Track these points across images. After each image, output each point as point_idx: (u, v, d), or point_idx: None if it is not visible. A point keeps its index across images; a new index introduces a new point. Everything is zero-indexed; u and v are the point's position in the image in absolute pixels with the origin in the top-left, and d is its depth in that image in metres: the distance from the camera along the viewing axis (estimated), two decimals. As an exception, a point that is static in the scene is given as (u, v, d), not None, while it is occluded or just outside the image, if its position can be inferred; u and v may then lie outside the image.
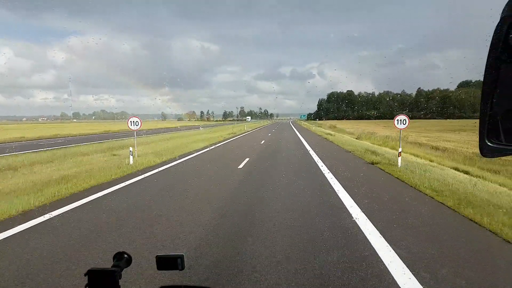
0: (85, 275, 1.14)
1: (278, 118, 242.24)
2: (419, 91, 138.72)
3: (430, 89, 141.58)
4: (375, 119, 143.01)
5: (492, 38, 0.84)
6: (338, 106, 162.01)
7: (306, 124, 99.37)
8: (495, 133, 0.91)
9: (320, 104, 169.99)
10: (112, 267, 1.20)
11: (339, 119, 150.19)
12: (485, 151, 0.92)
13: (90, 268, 1.14)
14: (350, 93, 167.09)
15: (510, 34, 0.82)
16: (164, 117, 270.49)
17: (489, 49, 0.85)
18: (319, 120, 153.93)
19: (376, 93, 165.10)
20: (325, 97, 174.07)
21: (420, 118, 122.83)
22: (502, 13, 0.81)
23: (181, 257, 1.21)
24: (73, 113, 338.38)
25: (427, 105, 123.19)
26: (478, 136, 0.92)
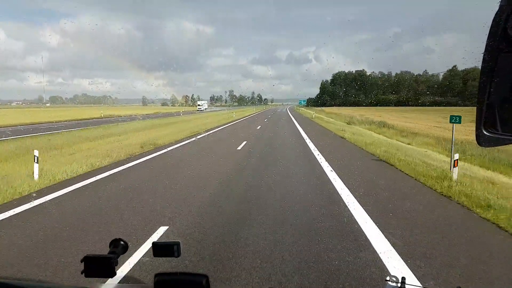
0: (81, 261, 1.15)
1: (273, 103, 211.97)
2: (453, 71, 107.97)
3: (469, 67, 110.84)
4: (395, 105, 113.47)
5: (491, 27, 0.85)
6: (347, 90, 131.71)
7: (311, 114, 69.02)
8: (492, 123, 0.93)
9: (323, 87, 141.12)
10: (108, 253, 1.22)
11: (348, 105, 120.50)
12: (482, 140, 0.95)
13: (86, 255, 1.16)
14: (360, 73, 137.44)
15: (509, 23, 0.83)
16: (144, 102, 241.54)
17: (487, 38, 0.87)
18: (322, 106, 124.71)
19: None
20: (329, 79, 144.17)
21: (457, 104, 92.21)
22: (501, 1, 0.82)
23: (177, 244, 1.23)
24: (52, 97, 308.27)
25: (466, 88, 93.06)
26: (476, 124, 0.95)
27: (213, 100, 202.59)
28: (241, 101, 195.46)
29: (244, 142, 15.34)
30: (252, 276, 3.76)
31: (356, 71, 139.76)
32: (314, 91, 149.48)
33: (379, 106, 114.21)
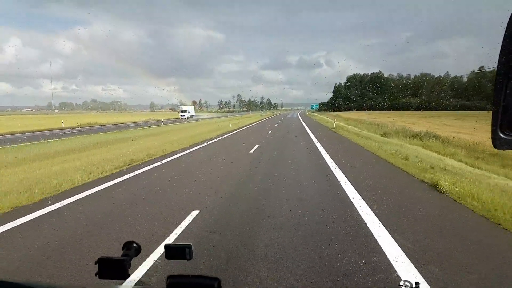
0: (95, 263, 1.17)
1: (283, 108, 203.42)
2: (480, 72, 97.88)
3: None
4: (416, 110, 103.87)
5: (506, 28, 0.85)
6: (363, 93, 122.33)
7: (330, 122, 59.84)
8: (508, 125, 0.92)
9: (336, 90, 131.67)
10: (121, 256, 1.23)
11: (365, 110, 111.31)
12: (498, 143, 0.94)
13: (101, 257, 1.18)
14: (378, 75, 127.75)
15: None
16: (152, 107, 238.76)
17: (503, 40, 0.87)
18: (336, 111, 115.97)
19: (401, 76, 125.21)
20: (343, 82, 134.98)
21: (486, 108, 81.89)
22: None
23: (189, 247, 1.24)
24: (61, 103, 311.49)
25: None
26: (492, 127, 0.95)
27: (221, 105, 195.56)
28: (250, 106, 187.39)
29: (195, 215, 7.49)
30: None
31: (372, 73, 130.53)
32: (325, 96, 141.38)
33: (399, 110, 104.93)
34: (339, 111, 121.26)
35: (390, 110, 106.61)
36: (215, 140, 19.89)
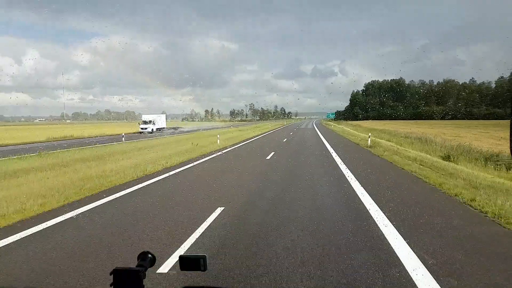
0: (110, 274, 1.18)
1: (297, 117, 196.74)
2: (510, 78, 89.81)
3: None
4: (441, 119, 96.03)
5: None
6: (382, 100, 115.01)
7: (360, 138, 52.53)
8: None
9: (353, 98, 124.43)
10: (136, 266, 1.23)
11: (385, 118, 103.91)
12: None
13: (116, 268, 1.18)
14: (398, 82, 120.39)
15: None
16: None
17: None
18: (354, 120, 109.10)
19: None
20: (360, 89, 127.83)
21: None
22: None
23: (203, 258, 1.25)
24: (74, 113, 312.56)
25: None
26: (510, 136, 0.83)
27: (234, 114, 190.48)
28: (263, 115, 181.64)
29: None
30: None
31: (392, 80, 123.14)
32: (340, 105, 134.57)
33: (423, 119, 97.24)
34: (357, 119, 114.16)
35: (413, 119, 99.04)
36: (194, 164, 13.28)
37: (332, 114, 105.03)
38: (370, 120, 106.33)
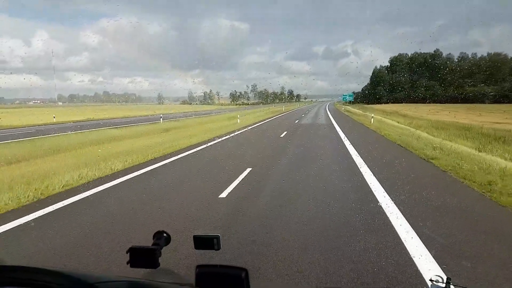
0: (127, 252, 1.20)
1: (307, 100, 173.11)
2: None
3: None
4: (495, 102, 72.70)
5: None
6: (413, 79, 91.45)
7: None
8: None
9: (376, 76, 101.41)
10: (152, 245, 1.26)
11: (418, 101, 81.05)
12: None
13: (132, 246, 1.21)
14: (434, 55, 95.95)
15: None
16: (161, 100, 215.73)
17: None
18: (377, 103, 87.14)
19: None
20: (385, 64, 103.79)
21: None
22: None
23: (217, 238, 1.27)
24: (70, 95, 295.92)
25: None
26: None
27: (235, 97, 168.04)
28: (266, 98, 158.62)
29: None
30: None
31: (425, 52, 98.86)
32: (352, 87, 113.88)
33: (470, 102, 74.25)
34: (381, 103, 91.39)
35: (457, 102, 76.20)
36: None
37: (349, 95, 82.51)
38: (398, 103, 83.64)
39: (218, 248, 1.26)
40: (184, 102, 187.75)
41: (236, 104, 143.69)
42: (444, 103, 76.16)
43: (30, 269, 1.18)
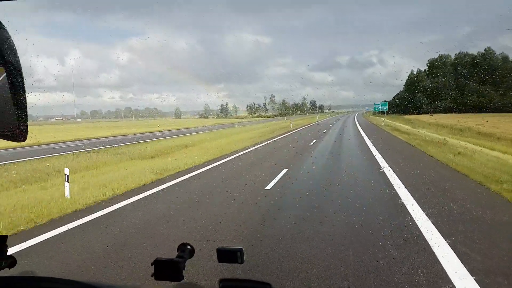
0: (152, 264, 1.20)
1: (330, 111, 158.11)
2: None
3: None
4: None
5: None
6: (460, 84, 75.54)
7: None
8: None
9: (412, 82, 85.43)
10: (176, 257, 1.26)
11: (468, 111, 65.21)
12: None
13: (157, 258, 1.21)
14: (484, 55, 79.44)
15: None
16: (177, 114, 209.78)
17: None
18: (415, 113, 72.74)
19: None
20: (423, 68, 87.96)
21: None
22: None
23: (240, 251, 1.27)
24: (92, 112, 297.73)
25: None
26: None
27: (252, 109, 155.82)
28: (285, 109, 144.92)
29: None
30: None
31: (472, 53, 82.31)
32: (378, 97, 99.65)
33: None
34: (421, 112, 76.06)
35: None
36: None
37: (382, 105, 68.13)
38: (442, 113, 68.14)
39: (242, 262, 1.24)
40: (201, 116, 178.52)
41: (254, 117, 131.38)
42: (506, 112, 59.96)
43: (60, 280, 1.21)
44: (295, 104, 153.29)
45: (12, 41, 1.06)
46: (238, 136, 29.33)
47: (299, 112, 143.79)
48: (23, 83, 1.08)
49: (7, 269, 1.23)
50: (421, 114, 75.51)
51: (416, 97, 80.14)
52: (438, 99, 77.45)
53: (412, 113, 75.53)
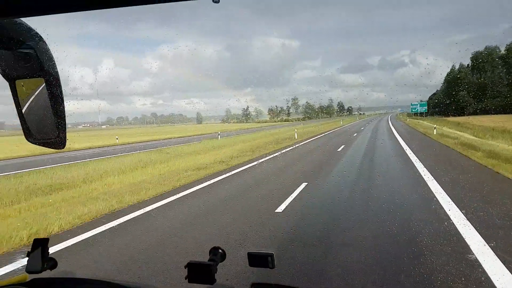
0: (185, 267, 1.22)
1: (359, 113, 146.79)
2: None
3: None
4: None
5: None
6: (513, 78, 64.51)
7: None
8: None
9: (454, 78, 74.67)
10: (208, 261, 1.27)
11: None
12: None
13: (190, 261, 1.24)
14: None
15: None
16: (199, 119, 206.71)
17: None
18: (460, 114, 62.92)
19: None
20: (467, 63, 76.62)
21: None
22: None
23: (271, 255, 1.25)
24: (118, 118, 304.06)
25: None
26: None
27: (273, 113, 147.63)
28: (309, 112, 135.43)
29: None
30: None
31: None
32: (411, 98, 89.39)
33: None
34: (464, 113, 65.60)
35: None
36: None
37: (420, 105, 58.32)
38: (491, 114, 57.55)
39: (273, 267, 1.23)
40: (223, 121, 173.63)
41: (274, 121, 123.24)
42: None
43: (96, 281, 1.24)
44: (321, 106, 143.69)
45: (51, 53, 1.11)
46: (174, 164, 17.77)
47: (326, 115, 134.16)
48: (61, 92, 1.15)
49: (48, 270, 1.28)
50: (466, 115, 65.45)
51: (459, 96, 69.07)
52: (486, 97, 66.37)
53: (454, 114, 65.09)
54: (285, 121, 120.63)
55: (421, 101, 68.53)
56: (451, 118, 56.18)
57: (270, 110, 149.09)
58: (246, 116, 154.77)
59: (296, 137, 32.40)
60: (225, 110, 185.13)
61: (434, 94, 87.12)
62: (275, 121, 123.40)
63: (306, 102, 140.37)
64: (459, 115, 66.15)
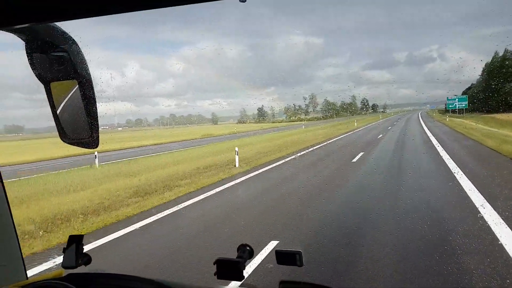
0: (214, 263, 1.25)
1: (382, 111, 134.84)
2: None
3: None
4: None
5: None
6: None
7: None
8: None
9: (499, 66, 63.36)
10: (236, 258, 1.30)
11: None
12: None
13: (218, 258, 1.26)
14: None
15: None
16: (215, 120, 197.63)
17: None
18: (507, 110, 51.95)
19: None
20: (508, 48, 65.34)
21: None
22: None
23: (299, 253, 1.27)
24: (137, 120, 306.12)
25: None
26: None
27: (289, 112, 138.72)
28: (329, 111, 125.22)
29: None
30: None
31: None
32: (441, 93, 79.59)
33: None
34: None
35: None
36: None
37: (459, 99, 48.45)
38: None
39: (301, 265, 1.24)
40: (238, 121, 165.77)
41: (288, 121, 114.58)
42: None
43: (124, 276, 1.26)
44: (342, 104, 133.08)
45: (83, 56, 1.16)
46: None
47: (348, 114, 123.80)
48: (94, 94, 1.19)
49: (83, 266, 1.33)
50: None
51: (505, 88, 57.76)
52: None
53: (500, 111, 54.54)
54: (299, 120, 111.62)
55: (459, 95, 58.14)
56: (498, 116, 45.96)
57: (287, 109, 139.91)
58: (261, 116, 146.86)
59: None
60: (239, 110, 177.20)
61: (469, 88, 75.21)
62: (290, 121, 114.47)
63: (324, 99, 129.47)
64: (505, 112, 55.37)
